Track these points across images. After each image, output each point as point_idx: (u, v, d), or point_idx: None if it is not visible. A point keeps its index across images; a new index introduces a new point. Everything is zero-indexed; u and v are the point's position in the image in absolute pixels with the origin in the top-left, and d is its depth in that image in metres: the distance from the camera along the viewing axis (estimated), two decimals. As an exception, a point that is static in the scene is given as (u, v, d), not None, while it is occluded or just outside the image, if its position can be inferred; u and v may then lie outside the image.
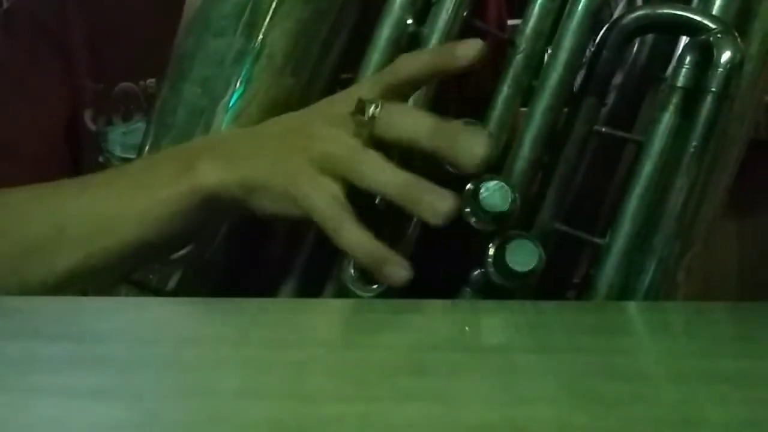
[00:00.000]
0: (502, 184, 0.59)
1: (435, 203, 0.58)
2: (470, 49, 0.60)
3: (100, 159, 0.81)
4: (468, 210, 0.60)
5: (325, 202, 0.60)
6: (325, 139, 0.61)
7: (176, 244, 0.67)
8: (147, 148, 0.69)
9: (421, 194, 0.59)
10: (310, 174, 0.60)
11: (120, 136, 0.80)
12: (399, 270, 0.59)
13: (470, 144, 0.59)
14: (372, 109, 0.60)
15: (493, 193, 0.59)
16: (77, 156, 0.82)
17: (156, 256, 0.67)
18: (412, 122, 0.60)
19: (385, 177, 0.59)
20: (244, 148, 0.63)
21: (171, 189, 0.63)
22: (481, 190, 0.59)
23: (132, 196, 0.64)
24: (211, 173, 0.62)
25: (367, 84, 0.63)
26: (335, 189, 0.60)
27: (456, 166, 0.60)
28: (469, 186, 0.60)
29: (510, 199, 0.59)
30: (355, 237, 0.59)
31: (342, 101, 0.62)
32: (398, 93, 0.62)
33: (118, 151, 0.80)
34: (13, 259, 0.67)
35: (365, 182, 0.60)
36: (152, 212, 0.63)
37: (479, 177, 0.59)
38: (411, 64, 0.62)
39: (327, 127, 0.61)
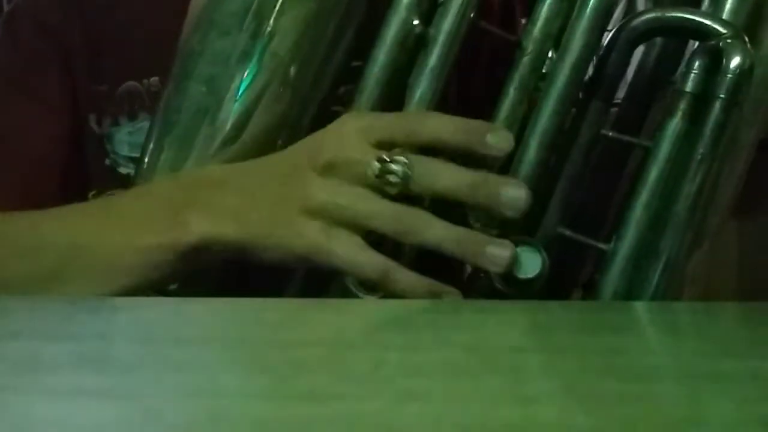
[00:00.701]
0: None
1: (496, 254, 0.60)
2: (503, 142, 0.61)
3: (107, 162, 0.81)
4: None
5: (360, 254, 0.60)
6: (326, 190, 0.61)
7: (167, 284, 0.67)
8: (150, 146, 0.69)
9: (481, 247, 0.60)
10: (318, 227, 0.60)
11: (126, 136, 0.80)
12: (455, 298, 0.61)
13: (512, 198, 0.60)
14: (403, 168, 0.60)
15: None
16: (83, 160, 0.82)
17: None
18: (450, 178, 0.60)
19: (441, 233, 0.60)
20: (234, 199, 0.63)
21: (159, 239, 0.63)
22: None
23: (122, 242, 0.64)
24: (200, 228, 0.62)
25: (359, 126, 0.62)
26: (357, 239, 0.60)
27: (496, 216, 0.61)
28: None
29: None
30: (407, 281, 0.60)
31: (332, 147, 0.62)
32: (394, 146, 0.61)
33: (125, 151, 0.80)
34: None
35: (418, 240, 0.60)
36: (136, 262, 0.63)
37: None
38: (428, 130, 0.61)
39: (322, 178, 0.61)
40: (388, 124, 0.62)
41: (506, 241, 0.60)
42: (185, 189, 0.65)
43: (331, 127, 0.63)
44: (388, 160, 0.60)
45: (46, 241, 0.67)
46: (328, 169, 0.61)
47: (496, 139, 0.61)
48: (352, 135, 0.62)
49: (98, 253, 0.65)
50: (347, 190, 0.60)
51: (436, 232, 0.60)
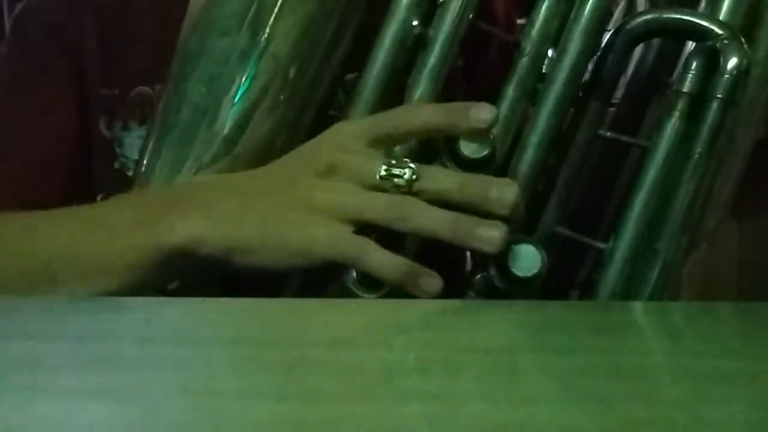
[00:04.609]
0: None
1: (487, 234, 0.59)
2: (485, 113, 0.61)
3: (116, 165, 0.81)
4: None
5: (338, 238, 0.60)
6: (327, 190, 0.61)
7: (157, 287, 0.66)
8: (149, 147, 0.69)
9: (472, 228, 0.59)
10: (317, 221, 0.60)
11: (136, 140, 0.80)
12: (433, 280, 0.60)
13: (501, 192, 0.60)
14: (410, 171, 0.60)
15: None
16: (90, 163, 0.82)
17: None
18: (451, 182, 0.60)
19: (435, 218, 0.60)
20: (226, 203, 0.62)
21: (144, 240, 0.62)
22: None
23: (109, 244, 0.64)
24: (185, 229, 0.61)
25: (355, 129, 0.63)
26: (344, 228, 0.60)
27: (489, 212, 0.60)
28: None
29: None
30: (382, 259, 0.60)
31: (331, 151, 0.62)
32: (390, 143, 0.62)
33: (135, 155, 0.80)
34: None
35: (411, 226, 0.60)
36: (123, 262, 0.63)
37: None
38: (415, 119, 0.62)
39: (324, 179, 0.61)
40: (379, 122, 0.63)
41: (498, 222, 0.59)
42: (174, 194, 0.65)
43: (328, 133, 0.63)
44: (394, 163, 0.60)
45: (38, 241, 0.67)
46: (329, 172, 0.61)
47: (478, 111, 0.60)
48: (349, 139, 0.62)
49: (87, 255, 0.64)
50: (347, 187, 0.61)
51: (431, 216, 0.60)
